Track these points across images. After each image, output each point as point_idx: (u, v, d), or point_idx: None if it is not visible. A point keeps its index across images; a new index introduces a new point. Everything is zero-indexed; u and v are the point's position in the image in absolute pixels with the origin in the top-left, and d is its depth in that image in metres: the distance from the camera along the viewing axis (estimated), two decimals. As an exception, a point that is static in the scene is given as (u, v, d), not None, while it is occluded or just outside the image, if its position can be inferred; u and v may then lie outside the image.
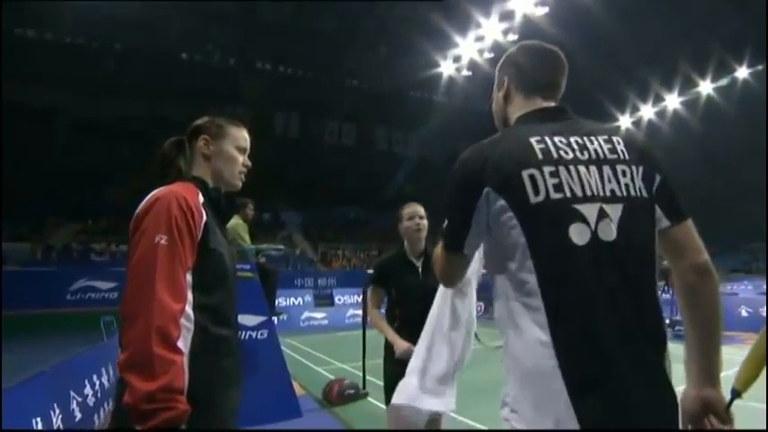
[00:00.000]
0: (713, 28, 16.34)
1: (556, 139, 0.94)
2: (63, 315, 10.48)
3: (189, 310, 1.07)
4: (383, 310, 2.55)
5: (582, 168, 0.91)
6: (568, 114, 1.03)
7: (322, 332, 11.37)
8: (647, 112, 21.59)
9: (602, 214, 0.88)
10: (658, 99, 20.85)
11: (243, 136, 1.37)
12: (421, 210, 2.40)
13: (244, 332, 3.84)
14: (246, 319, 3.89)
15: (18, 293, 10.05)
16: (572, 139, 0.95)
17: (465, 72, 20.69)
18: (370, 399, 4.75)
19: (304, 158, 23.62)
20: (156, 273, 1.03)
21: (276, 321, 4.97)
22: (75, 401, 2.60)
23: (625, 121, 21.70)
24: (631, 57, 18.85)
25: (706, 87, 19.24)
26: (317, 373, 6.36)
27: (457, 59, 20.10)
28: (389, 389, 2.23)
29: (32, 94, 18.45)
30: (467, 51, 19.15)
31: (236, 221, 4.57)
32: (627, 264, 0.87)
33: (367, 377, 4.99)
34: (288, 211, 21.86)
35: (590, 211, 0.88)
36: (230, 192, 1.36)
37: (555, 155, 0.92)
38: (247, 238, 4.50)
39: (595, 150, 0.94)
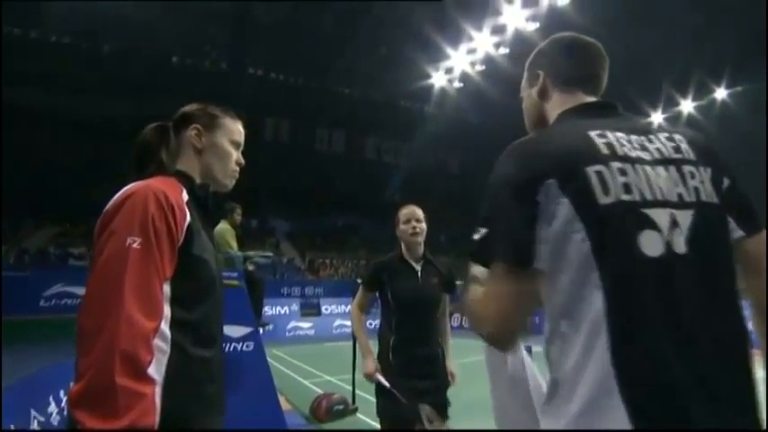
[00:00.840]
0: (696, 48, 16.78)
1: (618, 134, 0.81)
2: (36, 322, 10.01)
3: (165, 327, 0.90)
4: (371, 324, 2.39)
5: (648, 168, 0.77)
6: (619, 110, 0.91)
7: (308, 343, 11.09)
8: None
9: (673, 222, 0.74)
10: (644, 116, 21.32)
11: (238, 129, 1.20)
12: (419, 212, 2.25)
13: (228, 344, 3.62)
14: (232, 330, 3.67)
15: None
16: (632, 137, 0.81)
17: (456, 84, 20.83)
18: (359, 414, 4.55)
19: (293, 165, 23.41)
20: (126, 282, 0.84)
21: (261, 332, 4.77)
22: (36, 421, 2.36)
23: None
24: (620, 73, 19.22)
25: (687, 106, 19.88)
26: (304, 387, 6.12)
27: (449, 71, 20.23)
28: (382, 405, 2.11)
29: (13, 93, 17.94)
30: (459, 63, 19.29)
31: (223, 226, 4.40)
32: (705, 282, 0.73)
33: (357, 391, 4.79)
34: (276, 217, 21.57)
35: (661, 217, 0.74)
36: (218, 192, 1.19)
37: (620, 151, 0.78)
38: (235, 244, 4.32)
39: (658, 149, 0.80)
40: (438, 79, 20.77)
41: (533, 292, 0.78)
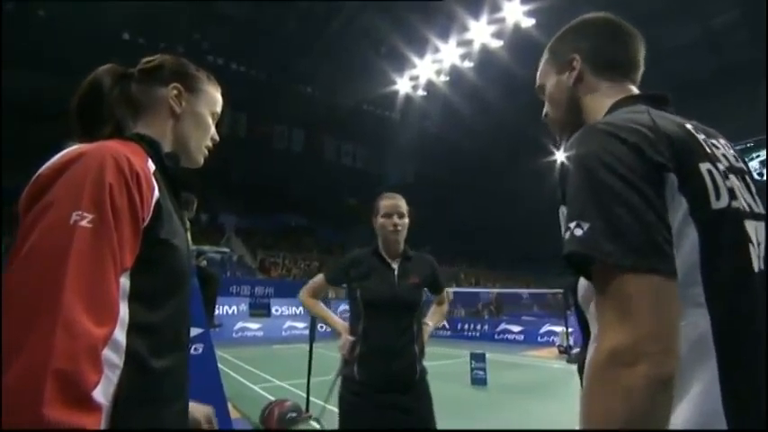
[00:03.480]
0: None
1: (700, 134, 0.71)
2: None
3: (119, 334, 0.67)
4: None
5: (731, 174, 0.69)
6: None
7: (256, 344, 10.63)
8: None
9: (757, 235, 0.67)
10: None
11: (219, 99, 1.03)
12: (402, 205, 1.96)
13: (177, 346, 3.32)
14: (182, 331, 3.36)
15: None
16: (707, 138, 0.72)
17: (421, 92, 21.08)
18: (312, 422, 4.35)
19: (249, 160, 22.60)
20: (68, 272, 0.60)
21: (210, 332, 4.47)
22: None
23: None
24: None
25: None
26: (253, 393, 5.80)
27: (414, 78, 20.44)
28: (347, 415, 1.82)
29: None
30: (424, 72, 19.54)
31: (176, 218, 4.10)
32: None
33: (311, 398, 4.58)
34: (227, 213, 20.69)
35: (751, 229, 0.66)
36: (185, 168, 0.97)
37: (715, 152, 0.69)
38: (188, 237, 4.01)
39: (724, 156, 0.71)
40: (403, 86, 20.92)
41: (676, 303, 0.57)
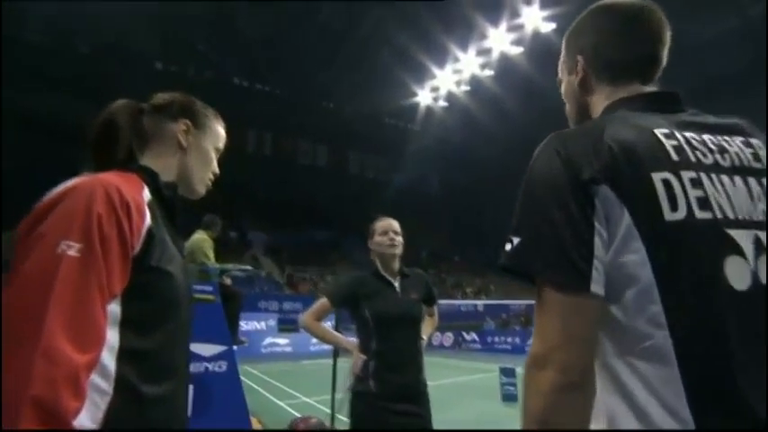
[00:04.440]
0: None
1: (687, 134, 0.66)
2: None
3: (108, 360, 0.69)
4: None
5: (726, 179, 0.63)
6: (682, 104, 0.73)
7: (285, 360, 10.70)
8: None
9: (758, 246, 0.60)
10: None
11: (223, 135, 1.09)
12: (395, 224, 2.12)
13: (199, 363, 3.36)
14: (203, 349, 3.39)
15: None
16: (705, 137, 0.66)
17: (442, 102, 21.10)
18: (338, 440, 4.29)
19: (275, 178, 23.11)
20: (51, 300, 0.63)
21: (236, 348, 4.51)
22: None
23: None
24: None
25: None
26: (279, 409, 5.80)
27: (434, 89, 20.50)
28: (368, 426, 1.90)
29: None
30: (444, 83, 19.58)
31: (201, 236, 4.21)
32: None
33: (336, 415, 4.53)
34: (255, 230, 21.14)
35: (745, 240, 0.60)
36: (185, 198, 1.04)
37: (692, 157, 0.63)
38: (212, 255, 4.10)
39: (737, 155, 0.66)
40: (424, 97, 21.02)
41: (591, 323, 0.59)
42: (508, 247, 0.63)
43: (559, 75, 0.88)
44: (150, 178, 0.89)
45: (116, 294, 0.72)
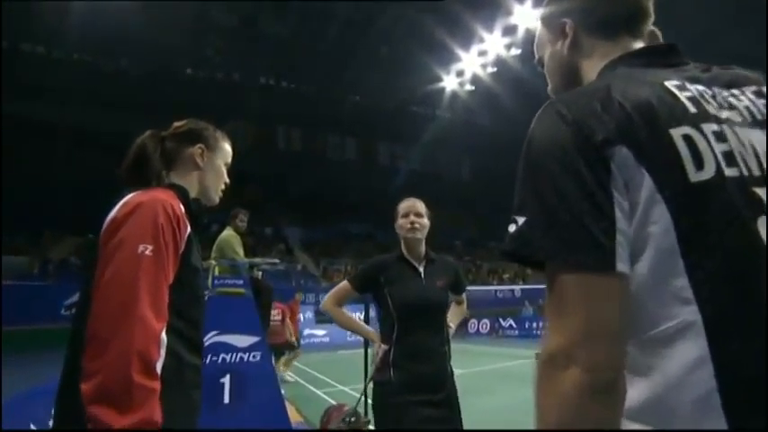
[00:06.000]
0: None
1: (698, 87, 0.59)
2: (56, 331, 10.16)
3: (162, 333, 0.95)
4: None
5: (746, 131, 0.56)
6: (683, 56, 0.68)
7: (323, 350, 10.98)
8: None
9: None
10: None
11: (230, 151, 1.32)
12: (419, 206, 2.00)
13: (234, 354, 3.51)
14: (237, 340, 3.55)
15: (11, 308, 9.78)
16: (715, 90, 0.60)
17: (468, 87, 20.67)
18: (372, 427, 4.39)
19: (306, 172, 23.48)
20: (141, 287, 0.91)
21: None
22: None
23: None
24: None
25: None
26: (317, 397, 5.98)
27: (460, 74, 20.09)
28: (391, 418, 1.82)
29: (33, 107, 18.53)
30: (469, 66, 19.14)
31: (228, 233, 4.30)
32: None
33: (369, 402, 4.63)
34: (289, 225, 21.63)
35: None
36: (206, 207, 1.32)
37: (710, 109, 0.57)
38: (241, 251, 4.22)
39: (748, 108, 0.59)
40: (449, 83, 20.65)
41: (620, 306, 0.50)
42: (512, 228, 0.56)
43: (537, 54, 0.84)
44: (182, 195, 1.14)
45: (170, 284, 0.98)
